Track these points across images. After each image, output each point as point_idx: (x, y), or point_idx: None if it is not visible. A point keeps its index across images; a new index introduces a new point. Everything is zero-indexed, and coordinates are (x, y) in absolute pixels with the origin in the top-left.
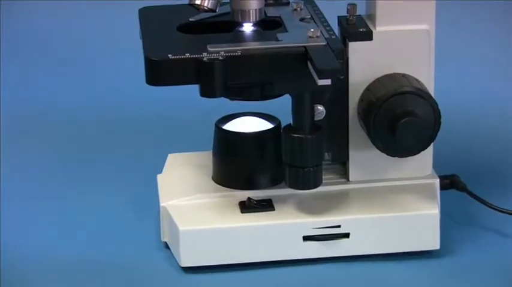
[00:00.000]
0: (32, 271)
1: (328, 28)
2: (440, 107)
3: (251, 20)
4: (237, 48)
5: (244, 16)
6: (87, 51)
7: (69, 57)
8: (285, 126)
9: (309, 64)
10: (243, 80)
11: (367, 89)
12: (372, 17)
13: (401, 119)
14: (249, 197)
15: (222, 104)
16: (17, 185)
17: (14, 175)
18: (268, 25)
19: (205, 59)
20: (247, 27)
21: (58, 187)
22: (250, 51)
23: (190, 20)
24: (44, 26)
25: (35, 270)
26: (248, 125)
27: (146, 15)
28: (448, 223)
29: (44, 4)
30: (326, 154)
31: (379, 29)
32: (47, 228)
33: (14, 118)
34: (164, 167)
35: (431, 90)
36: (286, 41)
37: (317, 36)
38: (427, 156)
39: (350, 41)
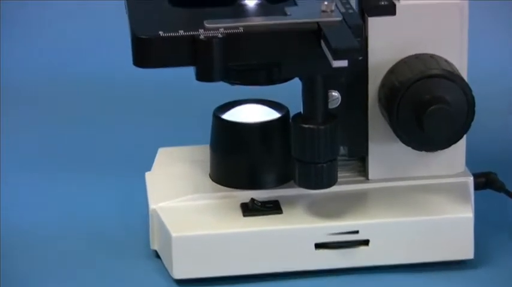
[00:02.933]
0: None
1: (344, 1)
2: (474, 93)
3: None
4: (239, 25)
5: None
6: (69, 26)
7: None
8: (294, 116)
9: (323, 43)
10: (245, 62)
11: (390, 71)
12: None
13: (429, 106)
14: (252, 198)
15: (221, 90)
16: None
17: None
18: None
19: (202, 36)
20: (251, 0)
21: (33, 184)
22: (253, 27)
23: None
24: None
25: (17, 272)
26: (251, 114)
27: None
28: (484, 228)
29: None
30: (342, 148)
31: (404, 2)
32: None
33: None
34: (154, 164)
35: (464, 74)
36: (295, 16)
37: (331, 11)
38: (458, 150)
39: (370, 15)
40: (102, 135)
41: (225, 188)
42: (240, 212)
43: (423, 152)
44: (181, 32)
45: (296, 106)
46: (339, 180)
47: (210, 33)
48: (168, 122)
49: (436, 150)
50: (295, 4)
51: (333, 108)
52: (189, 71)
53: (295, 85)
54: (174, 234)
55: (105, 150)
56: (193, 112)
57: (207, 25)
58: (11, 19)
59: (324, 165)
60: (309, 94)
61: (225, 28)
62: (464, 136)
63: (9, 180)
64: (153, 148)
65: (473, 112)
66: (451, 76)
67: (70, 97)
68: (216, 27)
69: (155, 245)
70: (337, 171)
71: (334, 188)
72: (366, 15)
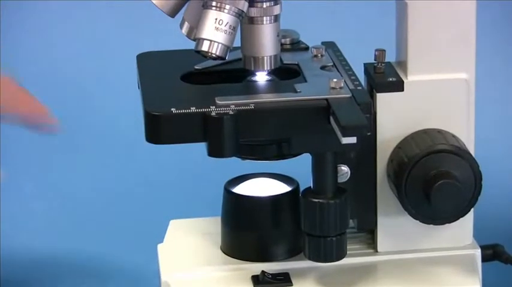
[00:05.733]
0: None
1: (353, 77)
2: (481, 168)
3: (265, 68)
4: (250, 101)
5: (258, 64)
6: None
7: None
8: (304, 190)
9: (332, 119)
10: (256, 137)
11: (398, 147)
12: (403, 64)
13: (436, 181)
14: (263, 271)
15: (232, 164)
16: None
17: None
18: (284, 74)
19: (213, 113)
20: (261, 77)
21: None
22: (264, 104)
23: (196, 68)
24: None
25: None
26: (262, 188)
27: (145, 62)
28: None
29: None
30: (351, 221)
31: (411, 79)
32: None
33: None
34: (165, 236)
35: (471, 149)
36: (305, 92)
37: (340, 87)
38: (466, 223)
39: (378, 92)
40: (113, 206)
41: (236, 260)
42: (251, 284)
43: (431, 225)
44: (193, 109)
45: (306, 180)
46: (348, 252)
47: (221, 110)
48: (180, 195)
49: (444, 223)
50: (305, 81)
51: (342, 183)
52: (201, 144)
53: (305, 159)
54: None
55: (116, 222)
56: (204, 185)
57: (218, 102)
58: (11, 19)
59: (334, 238)
60: (319, 169)
61: (236, 105)
62: (472, 209)
63: None
64: (164, 220)
65: (480, 186)
66: (458, 151)
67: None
68: (227, 104)
69: None
70: (346, 244)
71: (344, 261)
72: (374, 91)
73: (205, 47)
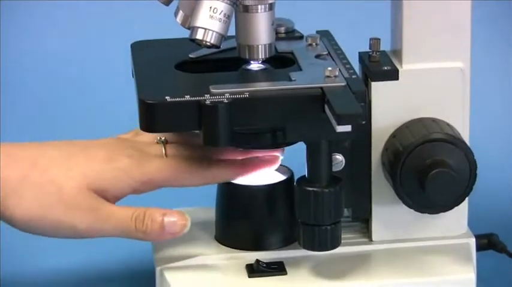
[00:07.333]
0: None
1: (347, 66)
2: (476, 157)
3: (260, 57)
4: (244, 90)
5: (252, 52)
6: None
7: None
8: (298, 179)
9: (326, 108)
10: (251, 126)
11: (393, 135)
12: (398, 53)
13: (431, 170)
14: (257, 260)
15: None
16: None
17: None
18: (279, 62)
19: (207, 102)
20: (256, 65)
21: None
22: (259, 93)
23: (190, 56)
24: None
25: None
26: (256, 177)
27: (140, 50)
28: None
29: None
30: (346, 210)
31: (406, 67)
32: None
33: None
34: None
35: (466, 137)
36: (300, 81)
37: (335, 76)
38: (461, 212)
39: (373, 80)
40: None
41: (230, 249)
42: (245, 273)
43: (426, 214)
44: (187, 97)
45: (300, 169)
46: (342, 241)
47: (216, 99)
48: None
49: (439, 212)
50: (300, 69)
51: (337, 172)
52: None
53: (299, 148)
54: None
55: None
56: None
57: (212, 90)
58: (11, 18)
59: (328, 227)
60: (313, 158)
61: (231, 93)
62: (467, 198)
63: None
64: None
65: (475, 175)
66: (453, 140)
67: None
68: (222, 92)
69: None
70: (341, 233)
71: (338, 250)
72: (369, 80)
73: (199, 35)
